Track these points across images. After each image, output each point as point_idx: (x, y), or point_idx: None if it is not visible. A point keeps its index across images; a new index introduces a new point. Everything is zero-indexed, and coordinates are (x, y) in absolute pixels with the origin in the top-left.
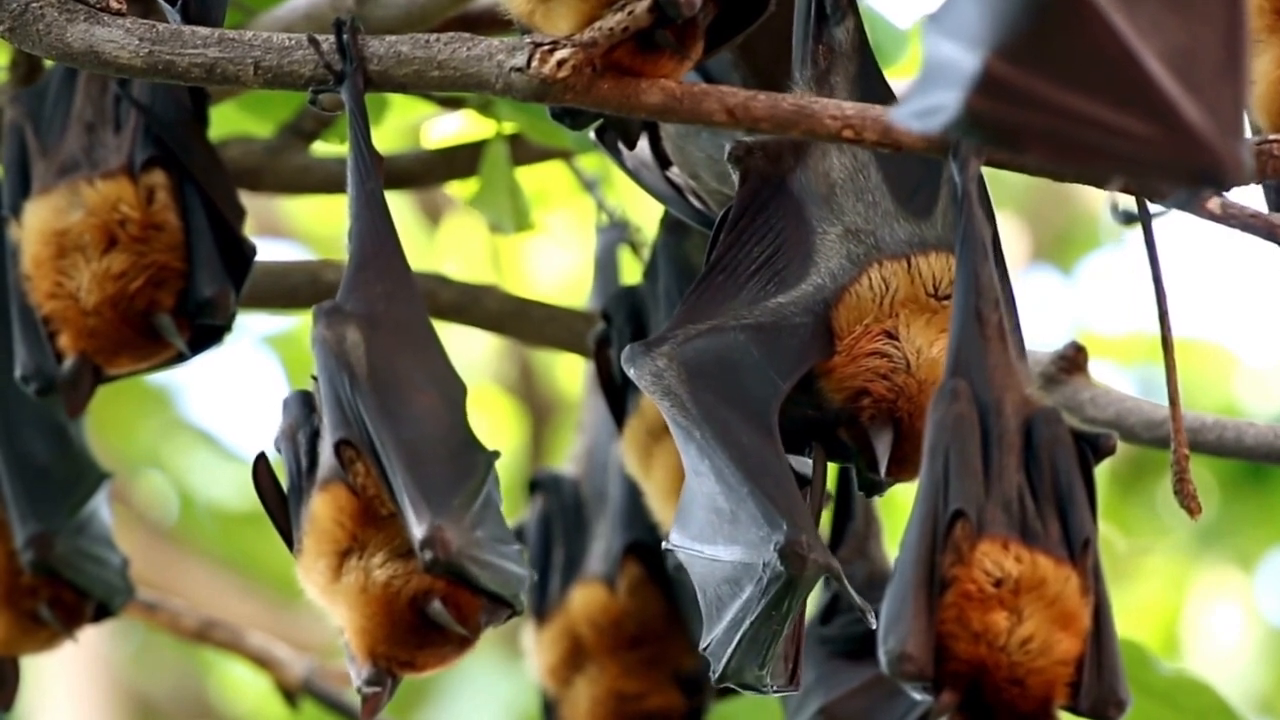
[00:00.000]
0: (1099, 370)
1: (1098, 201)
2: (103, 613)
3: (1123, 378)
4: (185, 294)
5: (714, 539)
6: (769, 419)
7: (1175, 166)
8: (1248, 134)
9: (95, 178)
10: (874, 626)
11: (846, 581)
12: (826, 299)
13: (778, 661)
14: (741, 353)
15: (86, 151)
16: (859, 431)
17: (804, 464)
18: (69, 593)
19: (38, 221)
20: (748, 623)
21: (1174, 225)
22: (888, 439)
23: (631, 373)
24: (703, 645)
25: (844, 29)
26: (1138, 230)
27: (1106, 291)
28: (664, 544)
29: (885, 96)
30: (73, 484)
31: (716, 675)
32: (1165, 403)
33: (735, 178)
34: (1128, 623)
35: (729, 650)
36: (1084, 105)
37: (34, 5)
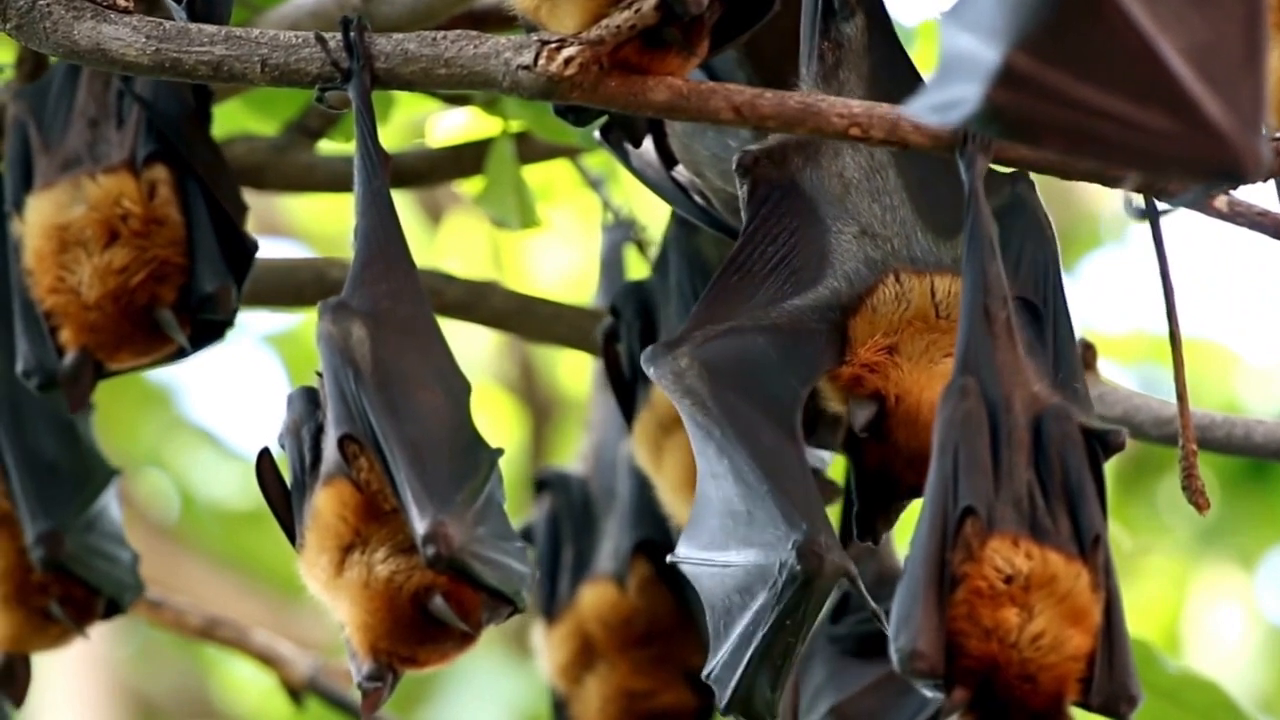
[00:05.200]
0: (1102, 369)
1: (1100, 200)
2: (113, 609)
3: (1125, 376)
4: (187, 289)
5: (727, 544)
6: (791, 421)
7: (1195, 162)
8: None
9: (97, 172)
10: (886, 629)
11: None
12: (844, 305)
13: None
14: (761, 354)
15: (89, 147)
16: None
17: (820, 458)
18: (80, 589)
19: (39, 216)
20: (759, 636)
21: (1180, 223)
22: (870, 409)
23: (652, 372)
24: (706, 671)
25: (854, 25)
26: (1142, 228)
27: (1108, 290)
28: (669, 557)
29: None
30: (82, 481)
31: (723, 704)
32: (1172, 400)
33: (743, 191)
34: (1129, 622)
35: (737, 673)
36: (1104, 99)
37: (41, 3)
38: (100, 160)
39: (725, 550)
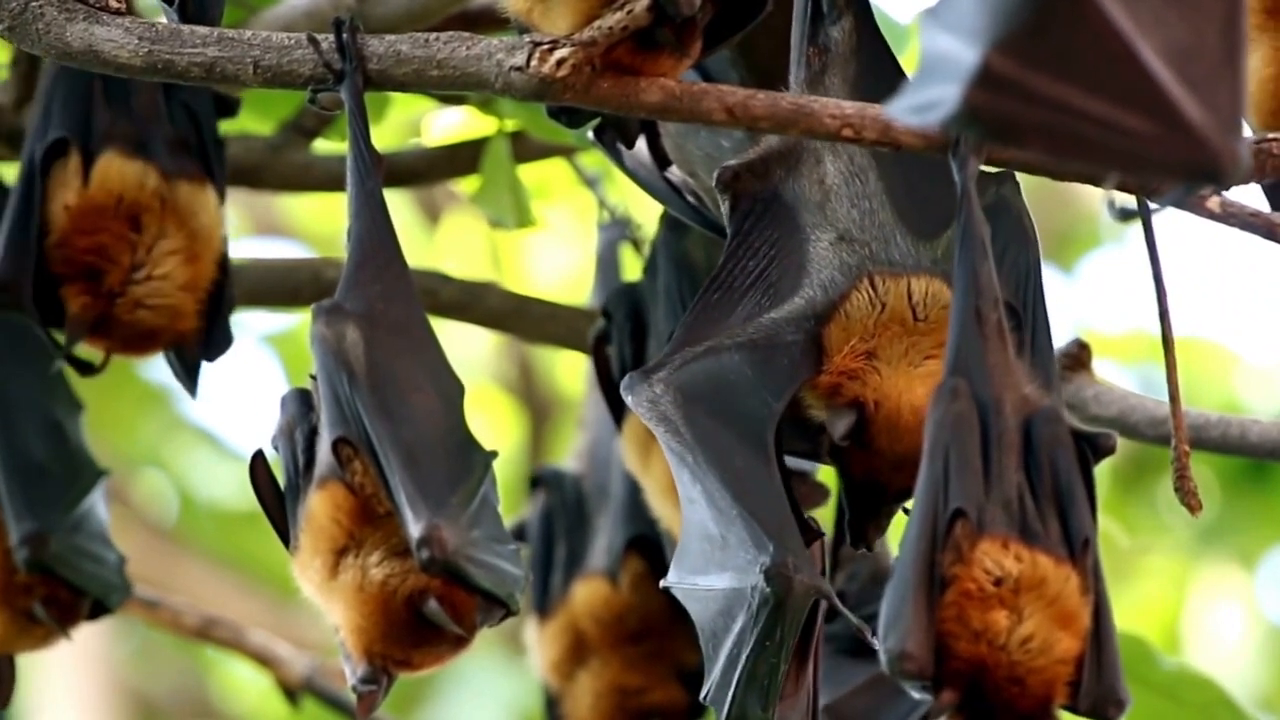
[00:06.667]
0: (1101, 369)
1: (1098, 201)
2: (99, 611)
3: (1124, 376)
4: (200, 332)
5: (706, 568)
6: (764, 439)
7: (1173, 163)
8: (1246, 131)
9: (179, 177)
10: (872, 642)
11: (838, 601)
12: (818, 314)
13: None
14: (736, 373)
15: (146, 138)
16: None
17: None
18: (64, 591)
19: (113, 175)
20: (743, 658)
21: (1174, 223)
22: (848, 418)
23: (629, 400)
24: (703, 693)
25: (840, 29)
26: (1138, 228)
27: (1107, 290)
28: (663, 582)
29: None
30: (69, 481)
31: None
32: (1167, 400)
33: (725, 206)
34: (1129, 621)
35: (730, 693)
36: (1083, 101)
37: (33, 4)
38: (171, 164)
39: (706, 574)
